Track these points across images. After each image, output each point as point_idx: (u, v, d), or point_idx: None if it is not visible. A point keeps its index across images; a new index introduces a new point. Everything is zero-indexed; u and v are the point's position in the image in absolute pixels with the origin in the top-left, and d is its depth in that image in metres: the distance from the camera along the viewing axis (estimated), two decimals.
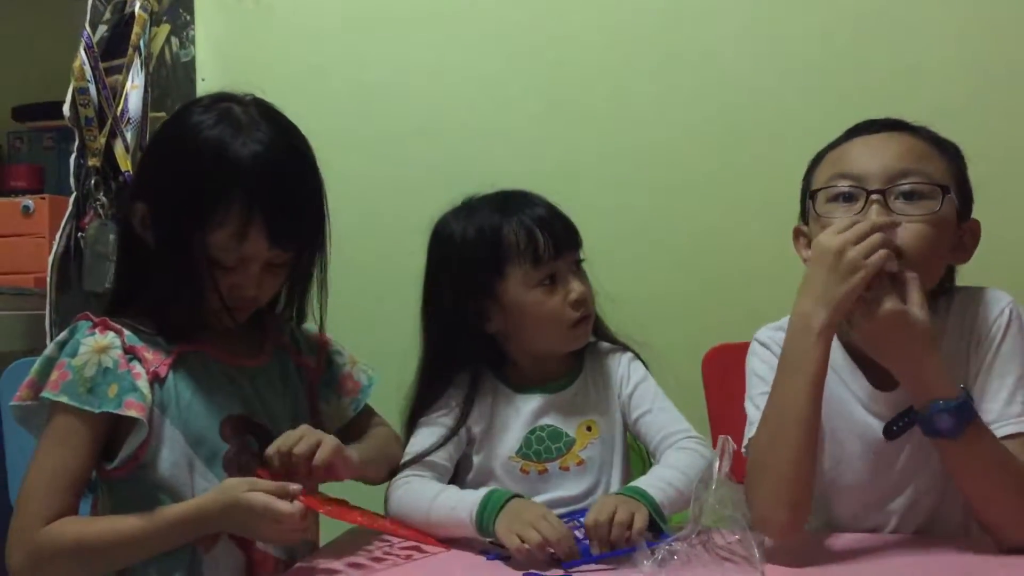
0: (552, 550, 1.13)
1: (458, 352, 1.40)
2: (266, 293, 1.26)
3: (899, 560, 1.16)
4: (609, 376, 1.43)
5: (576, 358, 1.44)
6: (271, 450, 1.19)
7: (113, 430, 1.19)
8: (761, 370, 1.31)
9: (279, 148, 1.20)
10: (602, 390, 1.42)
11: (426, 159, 2.20)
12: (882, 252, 1.13)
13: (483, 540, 1.22)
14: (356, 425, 1.40)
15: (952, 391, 1.13)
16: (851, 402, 1.28)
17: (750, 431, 1.27)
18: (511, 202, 1.39)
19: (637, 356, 1.44)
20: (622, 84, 2.14)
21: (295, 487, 1.13)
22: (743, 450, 1.26)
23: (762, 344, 1.35)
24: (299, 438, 1.19)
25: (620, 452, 1.40)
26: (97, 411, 1.16)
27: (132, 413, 1.16)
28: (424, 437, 1.37)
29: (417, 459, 1.35)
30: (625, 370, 1.42)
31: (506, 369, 1.43)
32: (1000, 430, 1.17)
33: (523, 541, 1.13)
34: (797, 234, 1.33)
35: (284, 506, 1.11)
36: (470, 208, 1.41)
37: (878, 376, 1.25)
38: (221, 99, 1.23)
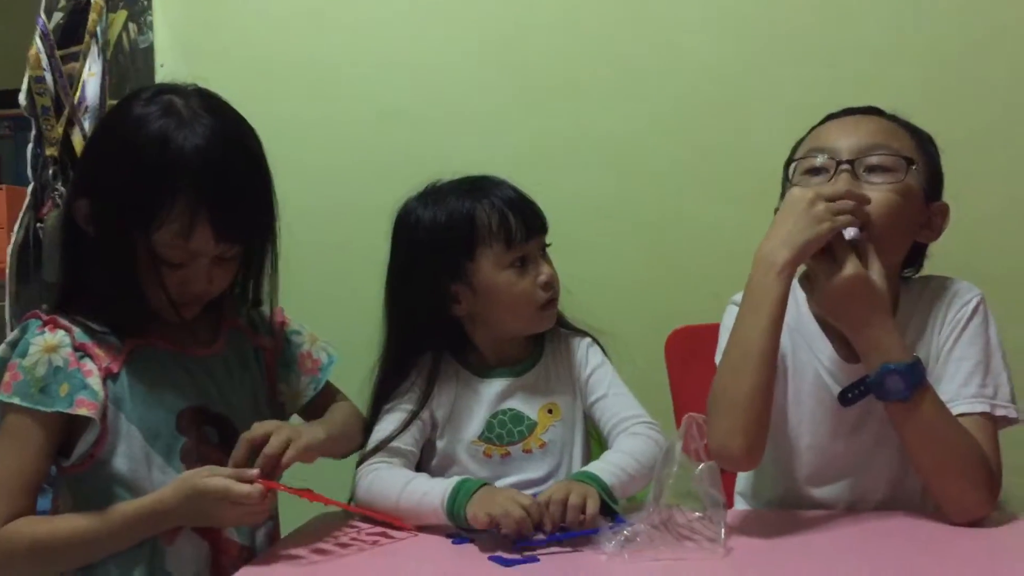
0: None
1: (421, 337, 1.40)
2: (217, 287, 1.24)
3: (859, 533, 1.19)
4: (569, 359, 1.43)
5: (537, 342, 1.45)
6: (243, 439, 1.18)
7: (68, 428, 1.18)
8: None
9: (222, 141, 1.17)
10: (563, 373, 1.43)
11: (389, 145, 2.19)
12: (849, 216, 1.18)
13: (451, 526, 1.22)
14: (319, 404, 1.39)
15: (904, 355, 1.18)
16: (816, 368, 1.33)
17: None
18: (480, 186, 1.39)
19: (595, 341, 1.45)
20: (584, 70, 2.14)
21: (253, 471, 1.14)
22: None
23: (737, 305, 1.37)
24: (268, 433, 1.18)
25: (581, 434, 1.41)
26: (49, 411, 1.15)
27: (83, 412, 1.15)
28: (388, 423, 1.37)
29: (382, 445, 1.35)
30: (584, 354, 1.43)
31: (467, 353, 1.43)
32: (953, 410, 1.21)
33: (494, 518, 1.13)
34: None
35: (243, 488, 1.11)
36: (437, 192, 1.40)
37: (845, 348, 1.29)
38: (162, 91, 1.20)
